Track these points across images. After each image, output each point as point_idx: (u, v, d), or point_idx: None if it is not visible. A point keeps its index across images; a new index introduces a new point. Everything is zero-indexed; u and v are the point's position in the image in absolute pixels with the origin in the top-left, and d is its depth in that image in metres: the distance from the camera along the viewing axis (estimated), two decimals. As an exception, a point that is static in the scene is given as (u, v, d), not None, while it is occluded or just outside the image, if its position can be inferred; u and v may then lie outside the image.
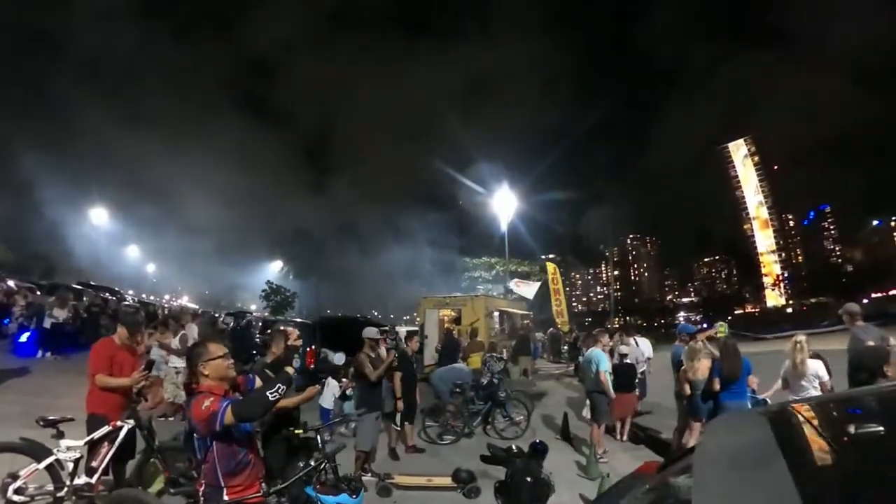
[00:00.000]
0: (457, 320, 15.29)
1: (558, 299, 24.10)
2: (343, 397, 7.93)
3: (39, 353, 12.20)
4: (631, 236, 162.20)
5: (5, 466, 3.86)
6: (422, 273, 48.62)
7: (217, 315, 20.70)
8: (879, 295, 61.14)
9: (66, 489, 3.93)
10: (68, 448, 4.01)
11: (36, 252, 39.79)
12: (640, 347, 9.62)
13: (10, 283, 16.02)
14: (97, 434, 4.11)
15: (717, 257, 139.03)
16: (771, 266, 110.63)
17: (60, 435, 4.04)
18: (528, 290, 22.50)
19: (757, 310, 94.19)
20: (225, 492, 2.58)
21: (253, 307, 47.11)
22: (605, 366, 6.93)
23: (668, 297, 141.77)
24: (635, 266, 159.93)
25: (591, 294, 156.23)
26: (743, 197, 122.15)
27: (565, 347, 21.76)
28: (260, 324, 19.68)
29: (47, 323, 12.41)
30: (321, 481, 2.96)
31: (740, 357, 5.89)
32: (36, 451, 3.93)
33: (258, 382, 3.04)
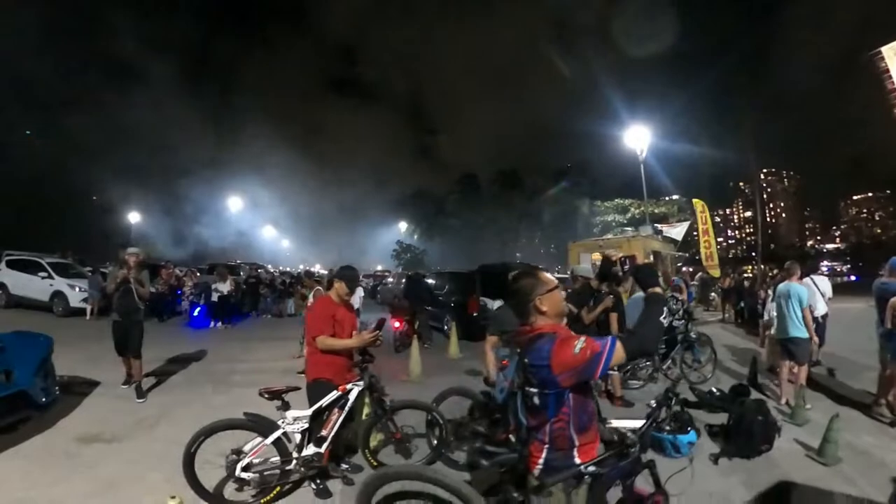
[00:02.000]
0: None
1: (707, 241, 21.98)
2: None
3: (211, 324, 13.31)
4: (765, 171, 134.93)
5: (228, 443, 3.54)
6: (547, 221, 46.99)
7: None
8: None
9: (294, 462, 3.58)
10: (295, 419, 3.63)
11: (187, 245, 44.66)
12: (820, 286, 8.18)
13: (177, 270, 17.43)
14: (325, 401, 3.71)
15: (870, 195, 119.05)
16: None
17: (286, 406, 3.67)
18: (677, 231, 20.45)
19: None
20: (576, 452, 2.07)
21: (379, 267, 48.92)
22: (807, 301, 6.09)
23: (809, 243, 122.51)
24: (771, 206, 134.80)
25: (721, 238, 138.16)
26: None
27: (712, 295, 19.69)
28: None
29: (214, 297, 13.41)
30: (658, 420, 2.48)
31: None
32: (262, 426, 3.57)
33: None
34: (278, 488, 3.59)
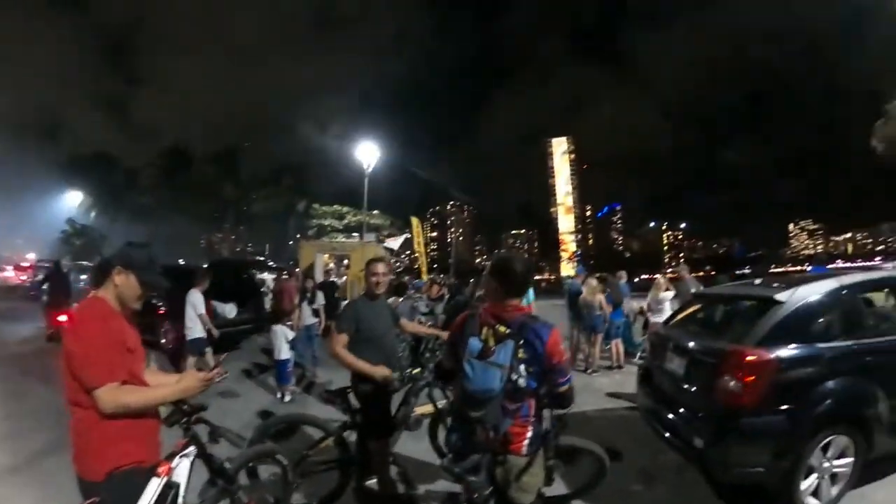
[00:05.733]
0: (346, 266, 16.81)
1: (420, 253, 24.69)
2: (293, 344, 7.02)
3: None
4: (451, 202, 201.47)
5: None
6: (258, 214, 42.74)
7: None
8: (646, 276, 77.90)
9: None
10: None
11: None
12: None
13: None
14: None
15: (523, 231, 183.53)
16: (569, 244, 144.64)
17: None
18: (395, 242, 22.72)
19: (552, 277, 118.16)
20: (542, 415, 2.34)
21: (31, 255, 35.80)
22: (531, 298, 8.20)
23: (478, 260, 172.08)
24: (452, 230, 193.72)
25: (409, 252, 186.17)
26: (554, 185, 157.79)
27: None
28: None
29: None
30: None
31: (620, 289, 9.18)
32: None
33: None
34: None
